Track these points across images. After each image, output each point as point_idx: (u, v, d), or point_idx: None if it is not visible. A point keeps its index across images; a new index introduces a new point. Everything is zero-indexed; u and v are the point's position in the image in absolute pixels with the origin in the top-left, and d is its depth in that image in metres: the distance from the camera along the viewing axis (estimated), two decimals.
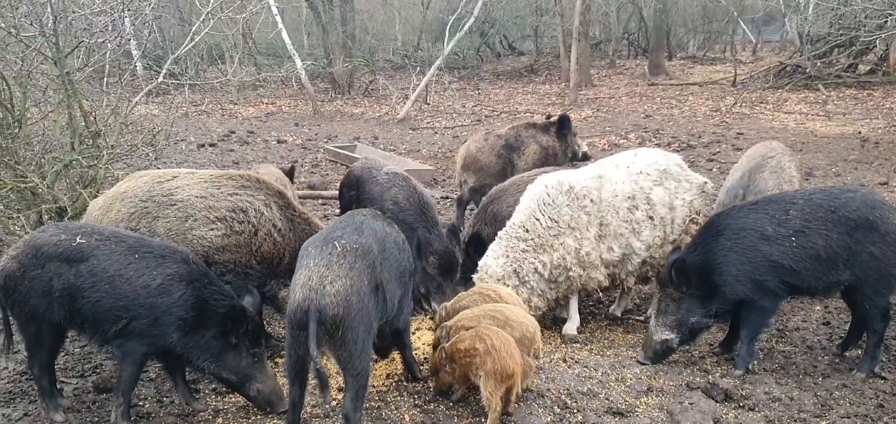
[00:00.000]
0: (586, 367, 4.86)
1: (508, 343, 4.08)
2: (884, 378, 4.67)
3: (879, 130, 13.38)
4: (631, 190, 5.42)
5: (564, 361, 4.97)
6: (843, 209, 4.52)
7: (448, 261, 5.59)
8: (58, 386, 4.36)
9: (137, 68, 13.81)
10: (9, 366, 4.83)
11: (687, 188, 5.58)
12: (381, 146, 13.41)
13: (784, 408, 4.33)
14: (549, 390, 4.50)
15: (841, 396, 4.47)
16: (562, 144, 8.06)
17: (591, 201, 5.35)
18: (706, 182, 5.76)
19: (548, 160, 7.79)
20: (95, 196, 5.61)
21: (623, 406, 4.35)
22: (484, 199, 6.52)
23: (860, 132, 13.28)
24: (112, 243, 4.06)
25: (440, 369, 4.34)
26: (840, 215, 4.50)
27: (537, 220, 5.34)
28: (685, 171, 5.70)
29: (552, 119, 8.43)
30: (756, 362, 4.89)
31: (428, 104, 18.70)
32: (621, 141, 13.32)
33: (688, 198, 5.55)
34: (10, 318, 4.18)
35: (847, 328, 5.24)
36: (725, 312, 4.81)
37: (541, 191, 5.43)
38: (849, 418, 4.22)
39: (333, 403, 4.34)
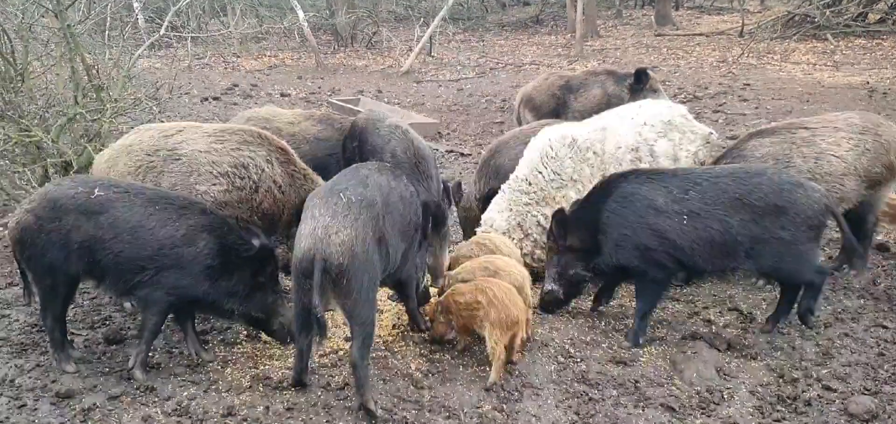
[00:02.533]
0: (589, 317, 4.92)
1: (511, 292, 4.14)
2: (885, 327, 4.70)
3: (887, 81, 13.22)
4: (635, 142, 5.40)
5: (568, 311, 5.02)
6: (749, 196, 4.31)
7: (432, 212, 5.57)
8: (69, 338, 4.43)
9: (139, 21, 13.69)
10: (20, 318, 4.90)
11: (691, 139, 5.55)
12: (385, 100, 13.33)
13: (786, 357, 4.38)
14: (552, 340, 4.55)
15: (842, 345, 4.51)
16: (632, 97, 7.62)
17: (594, 153, 5.34)
18: (711, 133, 5.73)
19: (610, 108, 7.05)
20: (100, 150, 5.62)
21: (626, 356, 4.40)
22: (485, 152, 6.50)
23: (868, 82, 13.13)
24: (131, 195, 4.11)
25: (435, 319, 4.46)
26: (746, 203, 4.31)
27: (540, 173, 5.34)
28: (690, 122, 5.67)
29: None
30: (759, 312, 4.93)
31: (432, 56, 18.53)
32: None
33: (692, 149, 5.52)
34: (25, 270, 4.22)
35: (850, 278, 5.36)
36: (603, 272, 4.70)
37: (544, 144, 5.42)
38: (850, 366, 4.26)
39: (341, 352, 4.41)
